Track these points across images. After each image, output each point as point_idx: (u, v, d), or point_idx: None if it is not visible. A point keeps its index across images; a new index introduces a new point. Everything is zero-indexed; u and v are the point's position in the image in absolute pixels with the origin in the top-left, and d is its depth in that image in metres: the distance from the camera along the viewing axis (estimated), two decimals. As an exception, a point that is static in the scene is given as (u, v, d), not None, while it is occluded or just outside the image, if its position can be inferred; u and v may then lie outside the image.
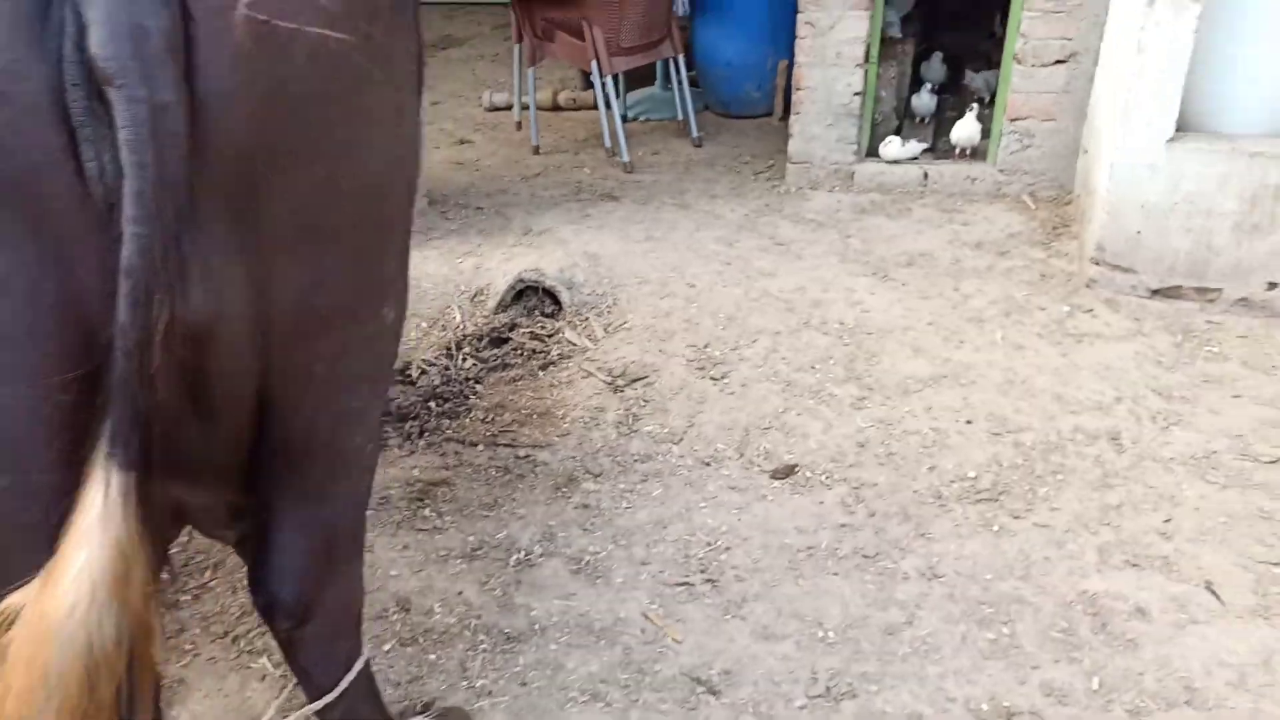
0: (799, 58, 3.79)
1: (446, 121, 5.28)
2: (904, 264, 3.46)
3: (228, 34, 0.98)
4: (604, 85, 4.28)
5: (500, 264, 3.64)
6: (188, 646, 2.21)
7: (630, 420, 2.83)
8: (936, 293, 3.27)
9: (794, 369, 2.94)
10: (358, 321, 1.25)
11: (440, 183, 4.41)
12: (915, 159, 3.93)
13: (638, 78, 5.19)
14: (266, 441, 1.25)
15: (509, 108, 5.15)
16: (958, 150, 3.90)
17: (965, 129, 3.81)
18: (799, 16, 3.73)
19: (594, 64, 4.21)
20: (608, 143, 4.47)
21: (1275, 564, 2.12)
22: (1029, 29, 3.58)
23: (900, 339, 3.04)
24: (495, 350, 3.30)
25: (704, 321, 3.22)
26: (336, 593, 1.42)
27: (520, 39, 4.55)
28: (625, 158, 4.38)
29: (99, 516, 1.02)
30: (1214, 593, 2.06)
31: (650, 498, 2.53)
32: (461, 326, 3.40)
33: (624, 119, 5.03)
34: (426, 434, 2.88)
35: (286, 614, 1.37)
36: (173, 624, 2.29)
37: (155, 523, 1.16)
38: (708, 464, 2.63)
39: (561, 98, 5.27)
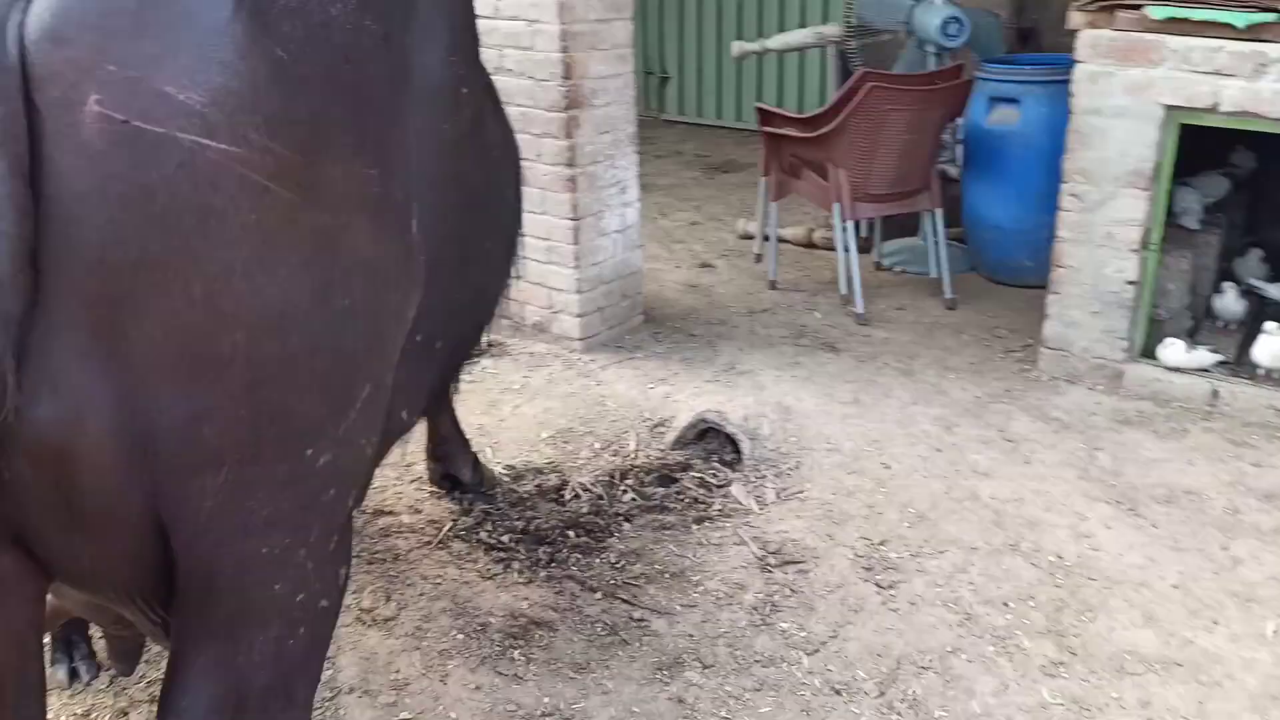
0: (1060, 232, 3.28)
1: (698, 243, 5.20)
2: (1161, 499, 2.79)
3: (76, 131, 0.89)
4: (844, 230, 3.98)
5: (690, 398, 3.39)
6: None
7: (768, 609, 2.43)
8: (1196, 547, 2.58)
9: (981, 600, 2.40)
10: (261, 462, 1.08)
11: (665, 303, 4.28)
12: (1205, 371, 3.24)
13: (901, 225, 4.84)
14: (174, 568, 1.11)
15: (766, 238, 4.98)
16: (1260, 371, 3.16)
17: (1269, 347, 3.08)
18: (1063, 186, 3.24)
19: (836, 207, 3.93)
20: (843, 289, 4.14)
21: None
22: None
23: (1130, 597, 2.40)
24: (659, 489, 3.03)
25: (889, 513, 2.75)
26: None
27: (767, 172, 4.39)
28: (860, 308, 4.02)
29: None
30: None
31: (756, 715, 2.11)
32: (634, 456, 3.16)
33: (878, 266, 4.70)
34: (554, 564, 2.65)
35: None
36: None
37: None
38: (837, 692, 2.16)
39: (817, 235, 5.03)
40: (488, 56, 3.69)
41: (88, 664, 2.18)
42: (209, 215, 0.95)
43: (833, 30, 5.04)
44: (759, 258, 4.73)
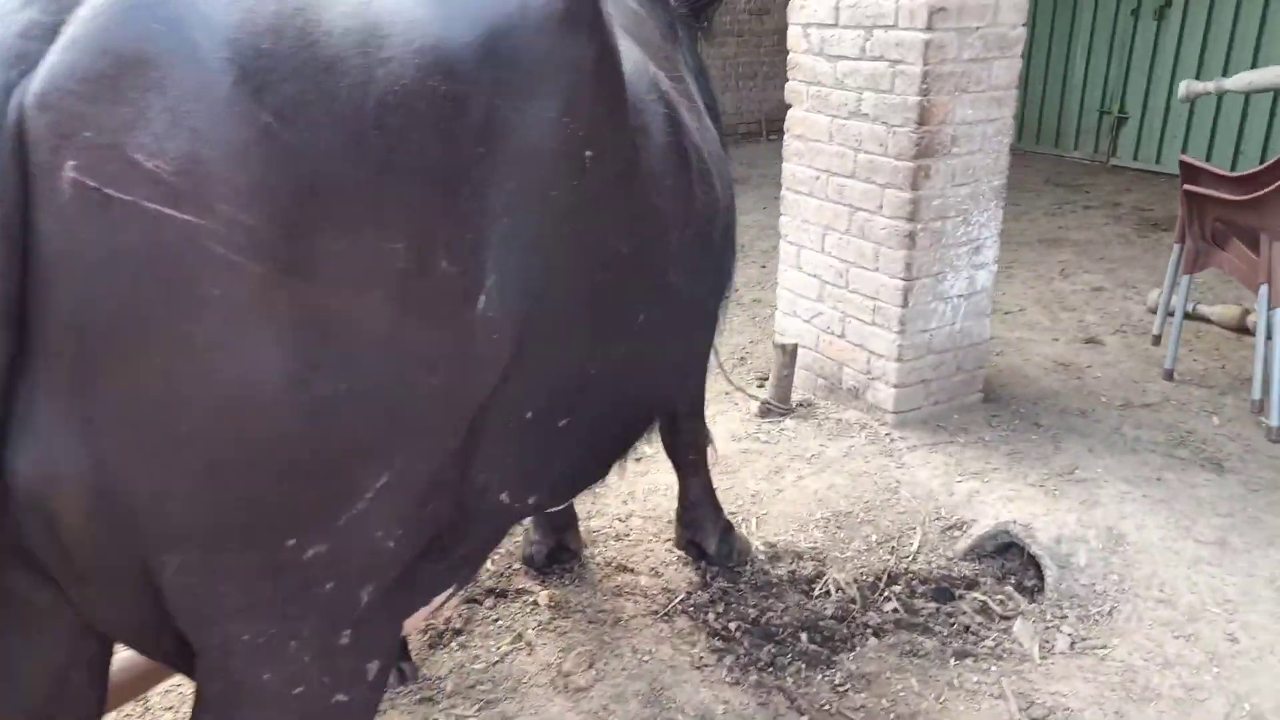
0: None
1: (1093, 314, 4.43)
2: None
3: (56, 196, 0.90)
4: (1270, 319, 3.07)
5: (1000, 501, 2.85)
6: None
7: (999, 794, 1.92)
8: None
9: None
10: (229, 548, 1.02)
11: (1020, 382, 3.68)
12: None
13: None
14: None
15: (1171, 314, 4.09)
16: None
17: None
18: None
19: (1263, 289, 3.04)
20: (1256, 393, 3.20)
21: None
22: None
23: None
24: (930, 604, 2.58)
25: (1213, 703, 2.03)
26: None
27: (1181, 239, 3.55)
28: (1275, 420, 3.08)
29: None
30: None
31: None
32: (912, 558, 2.74)
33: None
34: (770, 669, 2.36)
35: None
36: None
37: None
38: None
39: (1250, 320, 3.99)
40: (844, 100, 3.47)
41: (410, 665, 2.35)
42: (169, 286, 0.92)
43: (1318, 69, 3.98)
44: (1158, 339, 3.87)
